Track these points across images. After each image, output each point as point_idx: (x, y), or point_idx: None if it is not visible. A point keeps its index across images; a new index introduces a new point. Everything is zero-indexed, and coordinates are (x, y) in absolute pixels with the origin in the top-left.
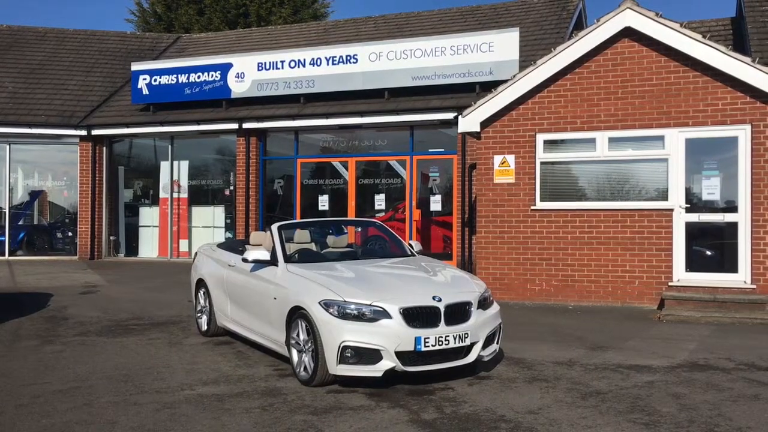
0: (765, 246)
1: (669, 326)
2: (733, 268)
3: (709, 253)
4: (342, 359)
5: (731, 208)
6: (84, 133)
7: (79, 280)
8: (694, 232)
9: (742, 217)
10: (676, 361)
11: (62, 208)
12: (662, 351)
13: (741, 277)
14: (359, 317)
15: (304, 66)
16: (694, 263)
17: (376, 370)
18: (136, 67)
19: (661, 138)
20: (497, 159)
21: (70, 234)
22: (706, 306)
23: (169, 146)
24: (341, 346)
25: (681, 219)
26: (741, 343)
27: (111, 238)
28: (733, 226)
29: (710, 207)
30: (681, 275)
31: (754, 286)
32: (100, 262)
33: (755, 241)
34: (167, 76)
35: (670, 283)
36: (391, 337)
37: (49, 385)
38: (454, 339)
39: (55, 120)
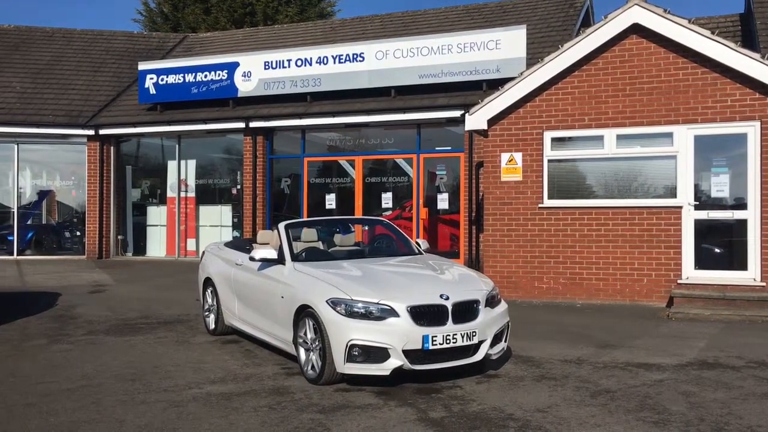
0: None
1: (678, 324)
2: (742, 265)
3: (718, 250)
4: (350, 358)
5: (740, 205)
6: (92, 132)
7: (87, 280)
8: (702, 230)
9: (752, 214)
10: (686, 359)
11: (70, 207)
12: (671, 349)
13: (750, 275)
14: (367, 316)
15: (310, 64)
16: (703, 261)
17: (384, 369)
18: (143, 66)
19: (669, 135)
20: (504, 157)
21: (78, 233)
22: (716, 304)
23: (177, 145)
24: (349, 344)
25: (690, 216)
26: (751, 340)
27: (119, 237)
28: (742, 224)
29: (719, 204)
30: (690, 273)
31: (764, 284)
32: (108, 262)
33: (765, 238)
34: (174, 76)
35: (679, 281)
36: (399, 335)
37: (57, 384)
38: (462, 337)
39: (62, 120)
